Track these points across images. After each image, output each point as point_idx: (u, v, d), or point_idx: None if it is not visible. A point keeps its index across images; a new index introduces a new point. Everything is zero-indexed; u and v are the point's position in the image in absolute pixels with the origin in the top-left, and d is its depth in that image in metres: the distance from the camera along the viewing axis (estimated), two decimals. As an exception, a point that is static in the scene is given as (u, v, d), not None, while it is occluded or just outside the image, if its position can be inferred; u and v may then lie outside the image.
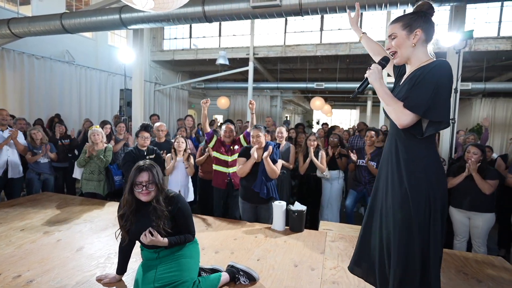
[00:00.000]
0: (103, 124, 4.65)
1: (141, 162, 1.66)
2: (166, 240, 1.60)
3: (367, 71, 1.32)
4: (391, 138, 1.38)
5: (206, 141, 3.42)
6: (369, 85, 1.34)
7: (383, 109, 1.39)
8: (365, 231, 1.47)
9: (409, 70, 1.35)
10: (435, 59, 1.27)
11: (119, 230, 1.70)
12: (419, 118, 1.22)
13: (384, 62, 1.34)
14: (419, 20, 1.28)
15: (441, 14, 7.54)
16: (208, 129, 3.31)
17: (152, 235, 1.56)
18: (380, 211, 1.38)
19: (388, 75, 1.59)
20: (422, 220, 1.24)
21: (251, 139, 2.78)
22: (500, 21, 7.12)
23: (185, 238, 1.68)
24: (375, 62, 1.36)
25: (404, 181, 1.28)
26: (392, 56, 1.36)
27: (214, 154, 3.32)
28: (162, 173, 1.73)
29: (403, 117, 1.22)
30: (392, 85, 1.48)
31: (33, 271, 1.84)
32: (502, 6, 7.06)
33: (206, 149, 3.69)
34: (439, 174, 1.28)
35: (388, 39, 1.36)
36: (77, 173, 3.99)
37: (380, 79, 1.29)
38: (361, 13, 7.89)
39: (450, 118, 1.15)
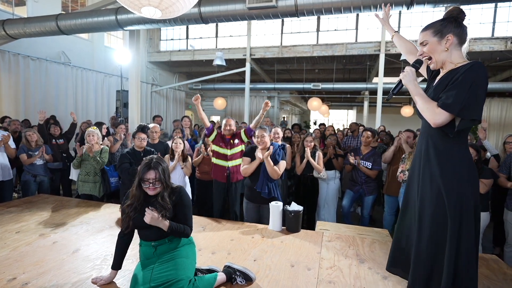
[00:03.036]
0: (99, 125, 4.64)
1: (150, 158, 1.73)
2: (167, 222, 1.65)
3: (401, 74, 1.37)
4: (424, 137, 1.42)
5: (206, 135, 3.44)
6: (403, 87, 1.39)
7: (416, 109, 1.43)
8: (400, 230, 1.48)
9: (443, 71, 1.39)
10: (469, 61, 1.30)
11: (124, 219, 1.73)
12: (453, 117, 1.25)
13: (417, 65, 1.39)
14: (450, 25, 1.33)
15: (436, 15, 7.60)
16: (208, 124, 3.34)
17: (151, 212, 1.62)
18: (414, 209, 1.40)
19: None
20: (453, 217, 1.25)
21: (255, 139, 2.80)
22: (494, 22, 7.19)
23: (184, 228, 1.71)
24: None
25: (436, 178, 1.31)
26: (429, 60, 1.40)
27: (214, 148, 3.36)
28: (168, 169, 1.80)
29: (436, 116, 1.26)
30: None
31: (28, 273, 1.83)
32: (496, 7, 7.14)
33: (201, 150, 3.70)
34: (471, 172, 1.30)
35: (420, 46, 1.41)
36: (73, 174, 3.98)
37: (414, 81, 1.34)
38: (357, 14, 7.94)
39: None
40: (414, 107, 1.45)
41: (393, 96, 1.47)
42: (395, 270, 1.52)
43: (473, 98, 1.21)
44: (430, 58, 1.39)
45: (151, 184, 1.66)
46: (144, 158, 1.75)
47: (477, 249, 1.31)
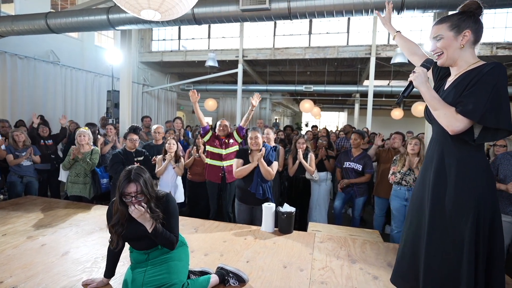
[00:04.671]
0: (91, 127, 4.56)
1: (128, 169, 1.61)
2: (152, 222, 1.57)
3: (411, 75, 1.24)
4: (436, 144, 1.31)
5: (201, 134, 3.44)
6: (414, 89, 1.27)
7: (425, 112, 1.33)
8: (408, 240, 1.38)
9: (455, 72, 1.28)
10: (486, 62, 1.20)
11: (111, 237, 1.65)
12: (472, 124, 1.15)
13: (428, 65, 1.27)
14: (468, 20, 1.21)
15: (425, 20, 7.78)
16: (205, 123, 3.33)
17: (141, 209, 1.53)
18: (426, 220, 1.30)
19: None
20: (470, 229, 1.16)
21: (249, 141, 2.81)
22: (480, 28, 7.39)
23: (169, 236, 1.62)
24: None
25: (451, 188, 1.21)
26: (437, 58, 1.29)
27: (208, 148, 3.35)
28: (151, 176, 1.71)
29: (456, 123, 1.14)
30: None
31: (15, 277, 1.79)
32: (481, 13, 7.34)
33: (192, 152, 3.69)
34: (489, 179, 1.21)
35: (432, 41, 1.29)
36: (62, 175, 3.90)
37: (426, 83, 1.21)
38: (349, 18, 8.05)
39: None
40: (426, 110, 1.31)
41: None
42: (402, 282, 1.41)
43: (495, 103, 1.09)
44: (441, 56, 1.27)
45: (133, 198, 1.54)
46: (123, 170, 1.62)
47: (495, 264, 1.19)
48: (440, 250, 1.24)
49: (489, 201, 1.18)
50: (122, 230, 1.60)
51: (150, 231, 1.57)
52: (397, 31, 1.63)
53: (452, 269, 1.22)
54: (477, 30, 1.23)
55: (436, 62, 1.33)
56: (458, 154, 1.22)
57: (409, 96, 1.33)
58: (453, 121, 1.15)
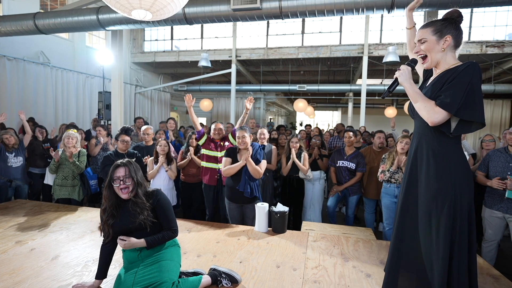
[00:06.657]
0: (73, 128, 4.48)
1: (118, 161, 1.70)
2: (142, 240, 1.63)
3: (396, 72, 1.37)
4: (417, 137, 1.41)
5: (196, 138, 3.43)
6: (399, 85, 1.38)
7: (408, 108, 1.43)
8: (398, 232, 1.44)
9: (436, 72, 1.40)
10: (462, 62, 1.32)
11: (103, 227, 1.70)
12: (450, 117, 1.25)
13: (412, 64, 1.40)
14: (450, 26, 1.33)
15: (416, 20, 7.84)
16: (199, 128, 3.32)
17: (125, 240, 1.61)
18: (411, 210, 1.39)
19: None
20: (445, 218, 1.24)
21: (236, 140, 2.81)
22: (470, 26, 7.49)
23: (163, 236, 1.67)
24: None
25: (430, 178, 1.30)
26: (422, 59, 1.41)
27: (204, 151, 3.34)
28: (142, 172, 1.76)
29: (435, 115, 1.25)
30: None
31: (3, 283, 1.75)
32: (472, 12, 7.44)
33: (188, 153, 3.66)
34: (465, 171, 1.30)
35: (417, 43, 1.41)
36: (49, 179, 3.82)
37: (410, 79, 1.34)
38: (341, 17, 8.09)
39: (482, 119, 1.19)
40: (410, 106, 1.44)
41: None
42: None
43: (470, 98, 1.21)
44: (424, 57, 1.39)
45: (121, 182, 1.61)
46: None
47: (473, 253, 1.28)
48: (409, 235, 1.33)
49: (465, 193, 1.27)
50: (113, 220, 1.65)
51: (148, 248, 1.64)
52: (414, 25, 1.66)
53: (421, 259, 1.30)
54: (457, 35, 1.35)
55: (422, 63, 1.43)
56: (437, 146, 1.33)
57: (402, 95, 1.40)
58: (432, 113, 1.26)
